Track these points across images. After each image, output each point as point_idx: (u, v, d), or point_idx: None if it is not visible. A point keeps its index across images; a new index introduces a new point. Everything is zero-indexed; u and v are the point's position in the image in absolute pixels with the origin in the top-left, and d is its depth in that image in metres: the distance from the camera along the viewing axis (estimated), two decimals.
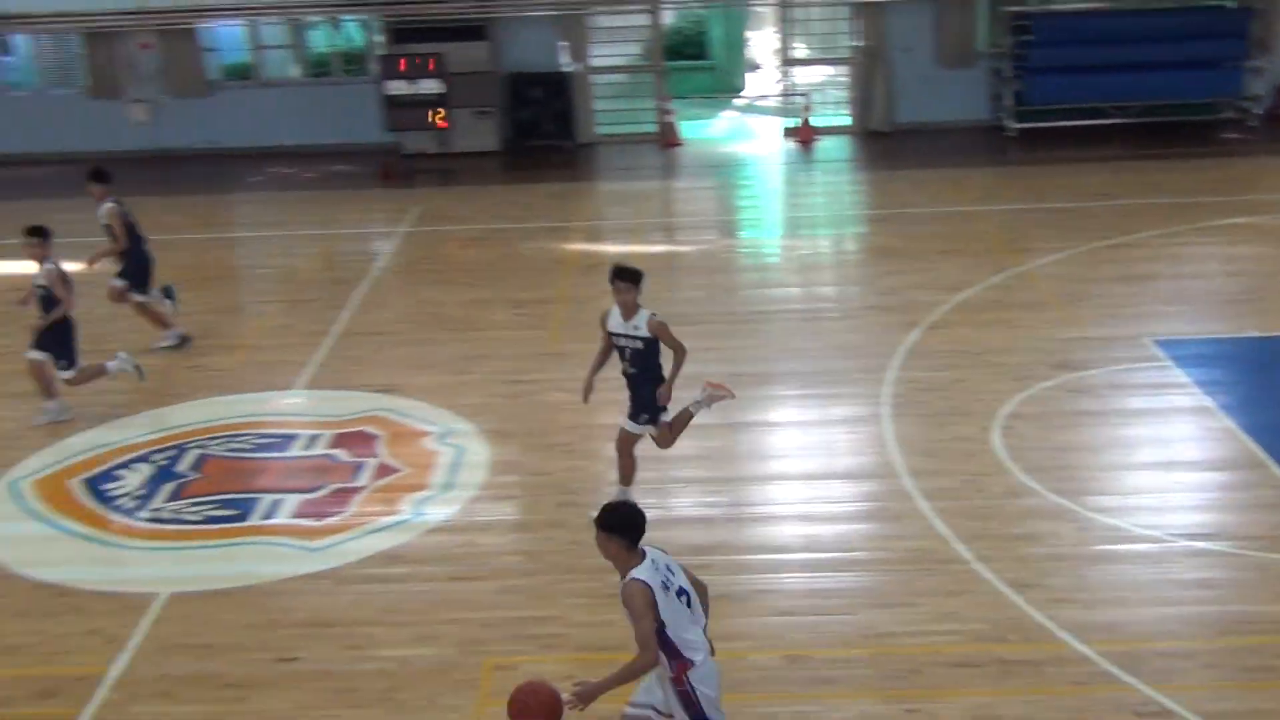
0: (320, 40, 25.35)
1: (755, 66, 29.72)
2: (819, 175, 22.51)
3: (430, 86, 22.06)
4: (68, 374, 12.54)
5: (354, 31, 25.05)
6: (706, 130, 25.53)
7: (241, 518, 10.71)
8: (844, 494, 10.87)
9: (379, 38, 23.93)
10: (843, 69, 24.81)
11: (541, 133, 23.61)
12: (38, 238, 12.33)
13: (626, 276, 9.66)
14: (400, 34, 23.02)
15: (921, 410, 12.22)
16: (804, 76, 25.53)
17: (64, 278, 12.37)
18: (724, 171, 22.81)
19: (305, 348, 14.34)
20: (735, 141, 24.84)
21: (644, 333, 9.71)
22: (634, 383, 10.00)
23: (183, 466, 11.69)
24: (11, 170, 23.63)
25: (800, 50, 25.89)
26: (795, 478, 11.24)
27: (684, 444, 11.78)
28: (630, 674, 6.55)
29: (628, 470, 10.35)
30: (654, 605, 6.42)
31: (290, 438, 12.21)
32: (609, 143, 24.25)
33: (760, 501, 10.93)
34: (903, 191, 20.48)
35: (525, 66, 23.59)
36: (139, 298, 14.37)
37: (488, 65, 23.08)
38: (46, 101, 24.72)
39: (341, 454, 11.81)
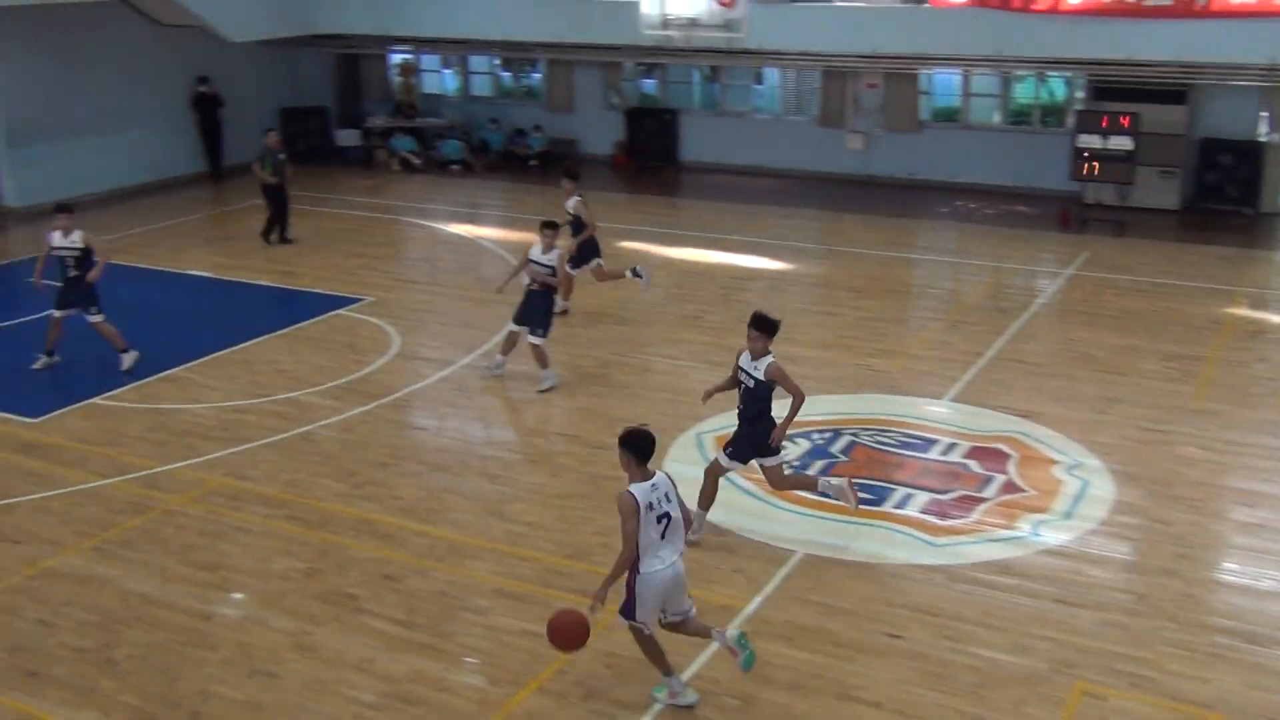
0: (1025, 92, 24.87)
1: None
2: None
3: (1120, 143, 20.90)
4: (537, 340, 13.45)
5: (1057, 86, 24.31)
6: None
7: (876, 503, 10.75)
8: None
9: (1080, 94, 23.10)
10: None
11: (1223, 197, 21.64)
12: (552, 230, 13.53)
13: (759, 325, 9.46)
14: (1101, 92, 22.01)
15: None
16: None
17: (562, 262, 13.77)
18: None
19: (959, 364, 14.15)
20: None
21: (759, 374, 9.47)
22: (740, 419, 9.83)
23: (835, 448, 11.96)
24: (752, 179, 25.44)
25: None
26: None
27: None
28: (619, 566, 7.44)
29: (707, 494, 10.06)
30: (637, 512, 7.29)
31: (931, 442, 12.10)
32: None
33: None
34: None
35: (1218, 132, 21.68)
36: (573, 271, 15.65)
37: (1180, 128, 21.50)
38: (783, 125, 26.30)
39: (974, 465, 11.54)
